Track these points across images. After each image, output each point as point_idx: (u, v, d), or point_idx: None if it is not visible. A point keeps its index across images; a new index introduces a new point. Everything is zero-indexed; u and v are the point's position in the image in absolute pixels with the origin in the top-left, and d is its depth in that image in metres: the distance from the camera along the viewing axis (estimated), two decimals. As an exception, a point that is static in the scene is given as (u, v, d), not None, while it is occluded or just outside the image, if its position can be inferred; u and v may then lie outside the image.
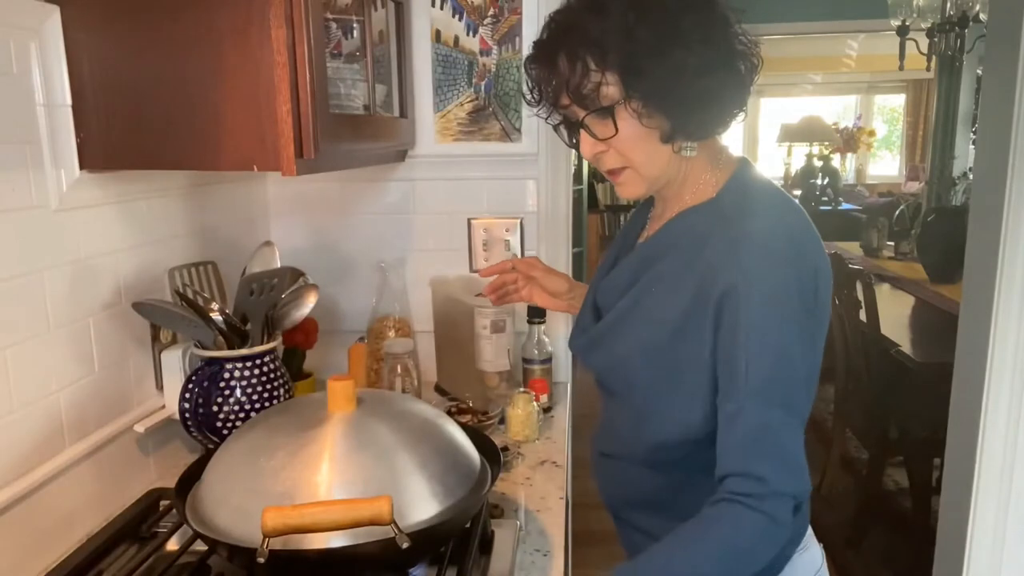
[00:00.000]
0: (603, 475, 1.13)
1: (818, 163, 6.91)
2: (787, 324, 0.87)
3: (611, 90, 0.89)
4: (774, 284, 0.87)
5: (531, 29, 1.69)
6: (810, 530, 1.07)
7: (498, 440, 1.27)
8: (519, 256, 1.77)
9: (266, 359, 1.30)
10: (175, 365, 1.34)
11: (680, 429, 0.96)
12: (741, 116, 0.96)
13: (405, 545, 0.83)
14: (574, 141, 1.01)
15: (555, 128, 1.03)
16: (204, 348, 1.27)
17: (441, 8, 1.69)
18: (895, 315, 3.05)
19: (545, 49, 0.93)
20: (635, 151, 0.94)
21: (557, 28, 0.92)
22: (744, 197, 0.95)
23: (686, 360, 0.93)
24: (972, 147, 5.13)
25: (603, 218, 7.45)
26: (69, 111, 1.10)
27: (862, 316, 2.81)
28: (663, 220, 1.02)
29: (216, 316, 1.26)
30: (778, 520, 0.85)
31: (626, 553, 1.12)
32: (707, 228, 0.93)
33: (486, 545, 1.08)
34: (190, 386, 1.25)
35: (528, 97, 0.99)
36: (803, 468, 0.88)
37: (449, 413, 1.48)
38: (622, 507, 1.12)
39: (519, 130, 1.73)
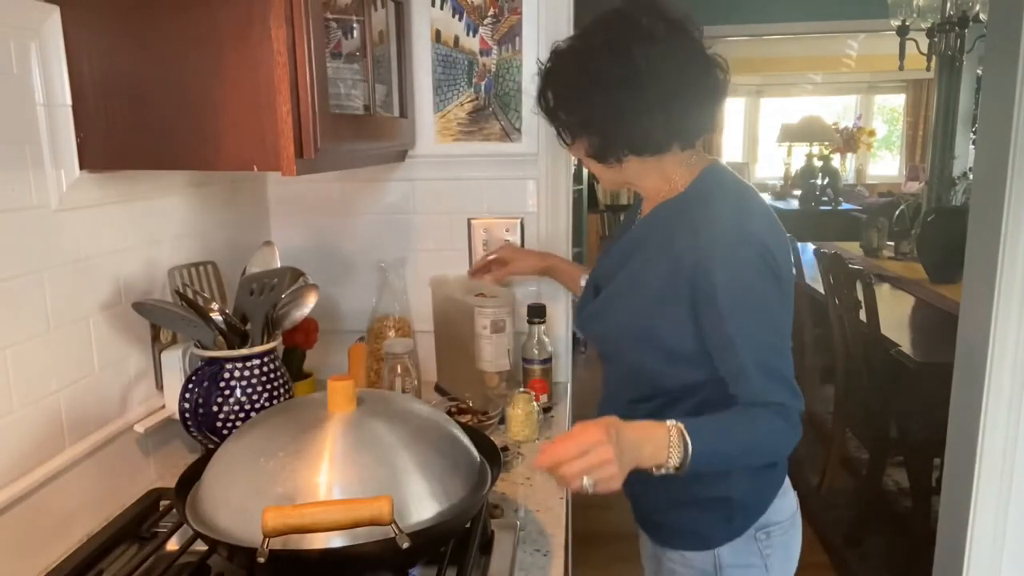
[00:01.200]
0: None
1: (818, 163, 6.90)
2: (760, 288, 1.06)
3: (557, 113, 1.15)
4: (738, 259, 1.06)
5: (531, 29, 1.69)
6: (787, 480, 1.27)
7: (498, 440, 1.27)
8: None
9: (266, 359, 1.30)
10: (175, 365, 1.34)
11: (654, 386, 1.19)
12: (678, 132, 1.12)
13: (405, 545, 0.83)
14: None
15: None
16: (204, 348, 1.27)
17: (441, 8, 1.69)
18: (895, 315, 3.04)
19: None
20: (585, 160, 1.18)
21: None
22: (706, 190, 1.14)
23: (663, 328, 1.12)
24: (972, 147, 5.12)
25: (603, 218, 7.45)
26: (69, 111, 1.10)
27: (862, 316, 2.80)
28: (645, 213, 1.22)
29: (216, 316, 1.26)
30: (797, 428, 1.07)
31: (629, 500, 1.32)
32: (676, 217, 1.14)
33: (486, 545, 1.08)
34: (190, 386, 1.26)
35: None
36: (797, 388, 1.09)
37: (449, 413, 1.48)
38: None
39: (519, 130, 1.73)
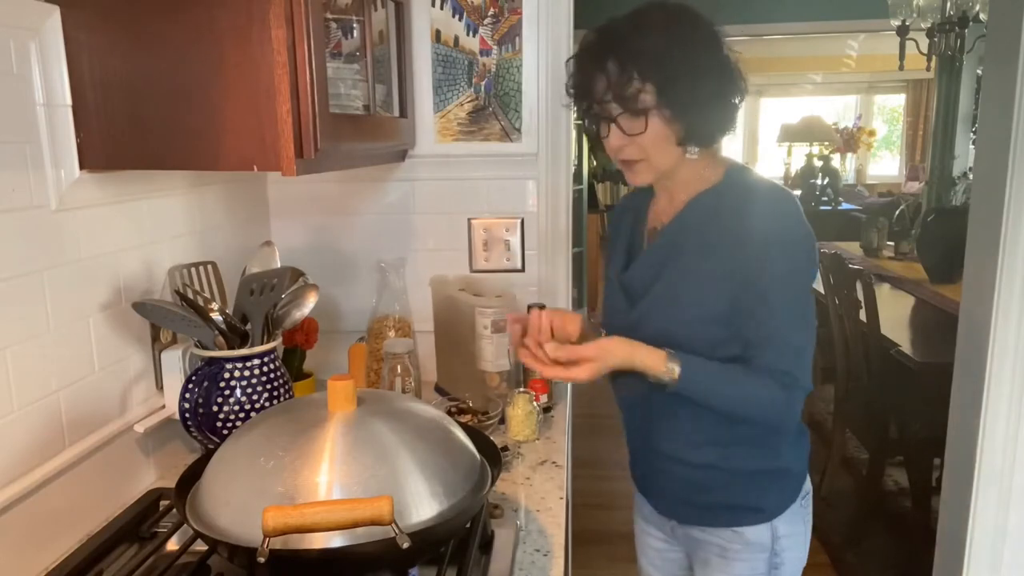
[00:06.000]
0: (629, 413, 1.32)
1: (818, 163, 6.90)
2: (807, 281, 1.14)
3: (647, 97, 1.08)
4: (798, 254, 1.12)
5: (531, 29, 1.69)
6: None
7: (498, 440, 1.27)
8: (519, 257, 1.78)
9: (266, 359, 1.30)
10: (175, 365, 1.34)
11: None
12: (732, 127, 1.17)
13: (405, 545, 0.83)
14: (604, 133, 1.16)
15: (583, 120, 1.19)
16: (204, 348, 1.27)
17: (441, 8, 1.69)
18: (895, 315, 3.04)
19: (594, 54, 1.11)
20: (655, 148, 1.13)
21: (607, 37, 1.10)
22: (745, 186, 1.17)
23: (701, 329, 1.14)
24: (972, 147, 5.12)
25: (603, 218, 7.44)
26: (69, 111, 1.10)
27: (862, 316, 2.81)
28: (675, 206, 1.21)
29: (216, 316, 1.26)
30: (791, 403, 1.13)
31: (665, 487, 1.31)
32: (720, 205, 1.15)
33: (486, 545, 1.08)
34: (190, 386, 1.26)
35: (570, 91, 1.16)
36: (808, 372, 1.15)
37: (449, 413, 1.48)
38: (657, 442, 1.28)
39: (519, 130, 1.73)
